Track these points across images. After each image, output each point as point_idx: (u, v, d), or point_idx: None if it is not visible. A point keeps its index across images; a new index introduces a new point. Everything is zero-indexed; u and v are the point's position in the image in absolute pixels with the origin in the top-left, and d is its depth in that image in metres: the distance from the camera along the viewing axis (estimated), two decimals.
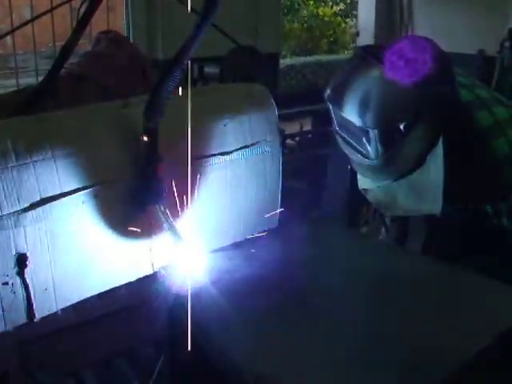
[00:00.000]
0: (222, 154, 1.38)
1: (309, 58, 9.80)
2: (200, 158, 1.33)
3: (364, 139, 1.45)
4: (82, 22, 1.45)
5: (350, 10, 11.88)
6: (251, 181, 1.46)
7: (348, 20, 12.05)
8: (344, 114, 1.44)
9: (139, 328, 1.28)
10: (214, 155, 1.36)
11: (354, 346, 1.17)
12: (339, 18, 12.01)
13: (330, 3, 12.04)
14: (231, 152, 1.40)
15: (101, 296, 1.23)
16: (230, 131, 1.39)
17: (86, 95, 1.65)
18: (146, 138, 1.17)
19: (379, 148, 1.43)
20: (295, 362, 1.12)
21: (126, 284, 1.27)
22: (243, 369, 1.10)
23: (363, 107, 1.39)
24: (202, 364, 1.20)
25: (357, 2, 8.97)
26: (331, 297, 1.33)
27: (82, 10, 1.45)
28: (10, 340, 1.13)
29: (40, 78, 1.61)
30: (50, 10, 2.11)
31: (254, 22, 4.98)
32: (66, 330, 1.21)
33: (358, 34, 7.96)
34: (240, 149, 1.41)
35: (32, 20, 2.16)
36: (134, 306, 1.27)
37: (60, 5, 1.93)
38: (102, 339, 1.26)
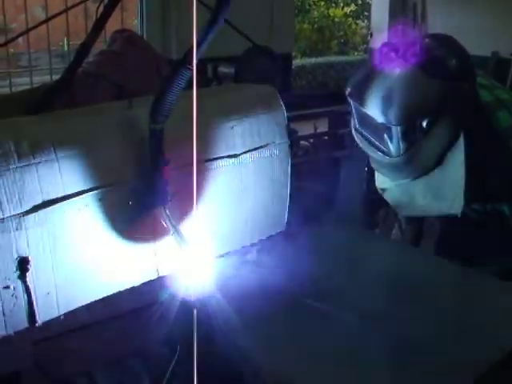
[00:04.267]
0: (230, 156, 1.35)
1: (319, 59, 9.76)
2: (207, 161, 1.31)
3: (385, 136, 1.43)
4: (101, 21, 1.44)
5: (362, 12, 11.83)
6: (259, 184, 1.43)
7: (359, 21, 12.00)
8: (366, 111, 1.43)
9: (153, 328, 1.26)
10: (222, 158, 1.34)
11: (370, 349, 1.16)
12: (350, 19, 11.95)
13: (341, 4, 11.99)
14: (239, 155, 1.37)
15: (113, 297, 1.22)
16: (237, 133, 1.36)
17: (101, 94, 1.65)
18: (151, 140, 1.15)
19: (401, 145, 1.42)
20: (312, 364, 1.12)
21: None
22: (261, 370, 1.11)
23: (386, 103, 1.38)
24: (217, 364, 1.20)
25: (368, 4, 8.94)
26: (346, 299, 1.32)
27: (101, 8, 1.45)
28: (24, 339, 1.12)
29: (54, 77, 1.61)
30: (65, 10, 2.10)
31: (268, 22, 4.97)
32: (80, 329, 1.20)
33: (371, 35, 7.93)
34: (248, 151, 1.38)
35: (47, 20, 2.16)
36: (147, 306, 1.25)
37: (76, 5, 1.92)
38: (115, 339, 1.25)
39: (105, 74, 1.72)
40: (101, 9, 1.48)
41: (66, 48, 4.94)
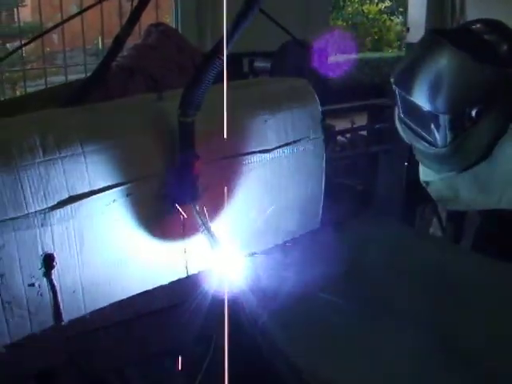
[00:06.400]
0: (262, 151, 1.30)
1: (353, 56, 9.68)
2: (238, 156, 1.26)
3: (432, 125, 1.38)
4: (135, 14, 1.43)
5: (397, 8, 11.69)
6: (292, 180, 1.38)
7: (393, 17, 11.85)
8: (412, 99, 1.37)
9: (185, 326, 1.26)
10: (254, 153, 1.29)
11: (418, 351, 1.13)
12: (385, 16, 11.82)
13: (376, 0, 11.87)
14: (272, 150, 1.32)
15: (144, 294, 1.19)
16: (270, 128, 1.32)
17: (136, 88, 1.64)
18: (181, 133, 1.11)
19: (448, 135, 1.37)
20: (349, 364, 1.10)
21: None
22: (297, 369, 1.09)
23: (434, 91, 1.33)
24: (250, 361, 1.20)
25: None
26: (384, 299, 1.28)
27: (135, 2, 1.43)
28: (59, 335, 1.12)
29: (89, 74, 1.61)
30: (99, 2, 2.10)
31: (304, 17, 4.94)
32: (111, 326, 1.21)
33: (408, 29, 7.80)
34: (281, 146, 1.33)
35: (79, 13, 2.17)
36: (178, 304, 1.25)
37: None
38: (146, 337, 1.25)
39: (139, 67, 1.71)
40: (135, 2, 1.46)
41: (100, 46, 4.99)
